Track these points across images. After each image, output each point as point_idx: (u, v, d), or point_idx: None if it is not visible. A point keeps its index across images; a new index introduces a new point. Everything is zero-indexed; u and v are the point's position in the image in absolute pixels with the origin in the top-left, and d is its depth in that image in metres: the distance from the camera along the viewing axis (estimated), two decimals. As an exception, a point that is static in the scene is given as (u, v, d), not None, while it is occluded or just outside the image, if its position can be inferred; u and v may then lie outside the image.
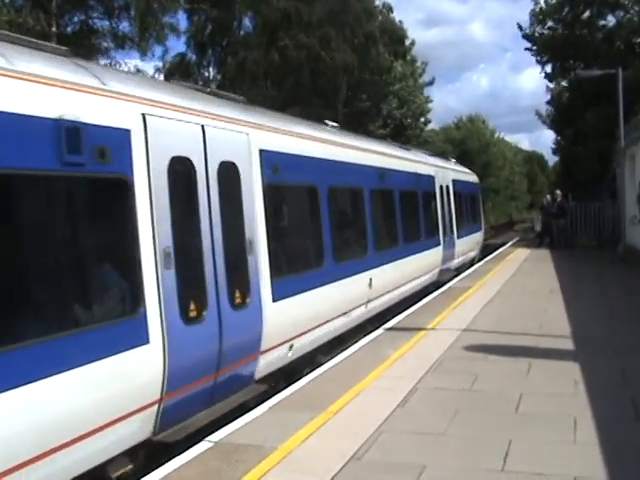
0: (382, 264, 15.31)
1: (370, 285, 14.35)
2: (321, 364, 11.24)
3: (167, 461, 7.05)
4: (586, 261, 27.22)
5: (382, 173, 16.34)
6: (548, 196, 37.46)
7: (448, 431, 7.60)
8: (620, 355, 11.06)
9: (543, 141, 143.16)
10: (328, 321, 12.34)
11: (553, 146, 66.43)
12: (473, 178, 32.66)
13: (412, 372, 10.15)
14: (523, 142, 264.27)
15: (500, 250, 34.20)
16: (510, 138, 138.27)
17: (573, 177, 50.22)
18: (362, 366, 10.61)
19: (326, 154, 12.94)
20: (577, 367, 10.16)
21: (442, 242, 21.95)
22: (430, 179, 21.59)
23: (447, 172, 24.81)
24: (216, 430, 7.90)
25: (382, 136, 58.24)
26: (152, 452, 7.65)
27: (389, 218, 17.29)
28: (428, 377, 9.96)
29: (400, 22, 59.48)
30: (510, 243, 39.89)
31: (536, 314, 14.87)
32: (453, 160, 31.60)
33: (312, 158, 12.22)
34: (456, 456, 6.86)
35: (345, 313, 13.20)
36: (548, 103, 58.40)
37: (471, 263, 28.16)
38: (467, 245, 27.09)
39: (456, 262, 24.59)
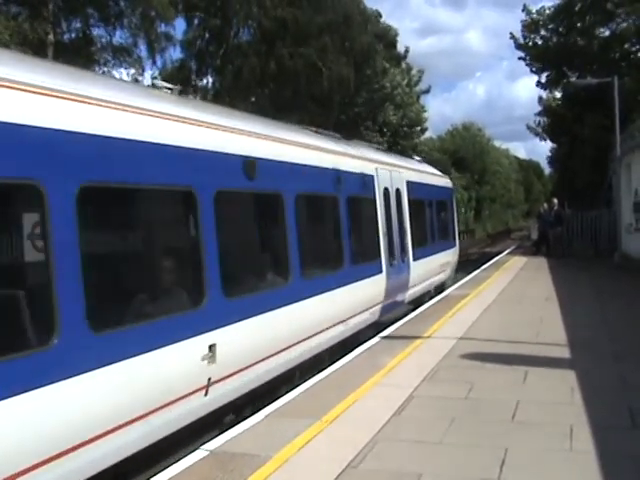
0: (241, 318, 9.19)
1: (212, 357, 8.43)
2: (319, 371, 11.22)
3: (163, 470, 7.03)
4: (582, 269, 27.21)
5: (248, 163, 9.81)
6: (545, 204, 37.51)
7: (444, 439, 7.58)
8: (617, 363, 11.05)
9: (539, 150, 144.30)
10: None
11: (549, 155, 66.66)
12: (444, 181, 26.11)
13: (408, 380, 10.14)
14: (519, 150, 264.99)
15: (497, 258, 34.24)
16: (506, 146, 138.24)
17: (569, 186, 50.31)
18: (358, 374, 10.59)
19: None
20: (573, 375, 10.15)
21: (385, 268, 15.97)
22: (366, 180, 15.38)
23: (397, 172, 18.01)
24: (212, 439, 7.88)
25: (378, 144, 58.46)
26: (148, 461, 7.62)
27: (265, 239, 11.54)
28: (424, 385, 9.94)
29: (389, 25, 59.84)
30: (507, 251, 39.92)
31: (533, 322, 14.86)
32: (417, 158, 25.25)
33: None
34: (452, 464, 6.84)
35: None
36: (539, 114, 58.61)
37: (441, 289, 22.59)
38: (431, 268, 20.99)
39: (412, 292, 18.71)
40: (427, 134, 74.29)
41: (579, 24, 47.50)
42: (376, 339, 13.71)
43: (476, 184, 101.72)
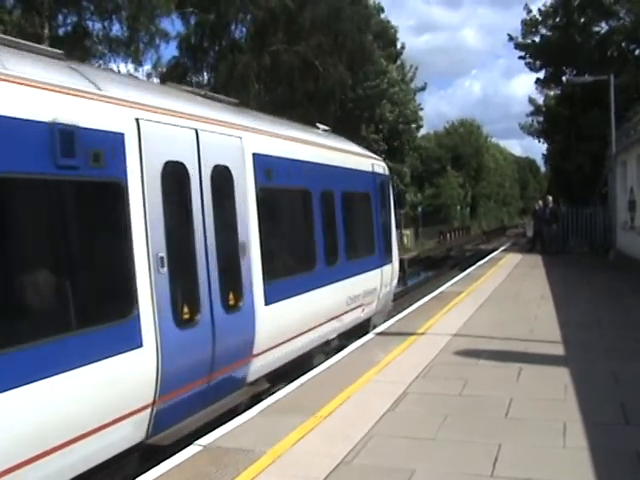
0: None
1: None
2: (312, 368, 11.17)
3: (156, 465, 7.04)
4: (577, 267, 27.26)
5: None
6: (540, 202, 37.57)
7: (438, 436, 7.60)
8: (610, 360, 11.07)
9: (535, 147, 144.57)
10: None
11: (544, 153, 66.77)
12: (367, 164, 16.42)
13: (402, 377, 10.15)
14: (515, 148, 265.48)
15: (492, 255, 34.29)
16: (502, 144, 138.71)
17: (564, 183, 50.40)
18: (353, 370, 10.61)
19: None
20: (567, 372, 10.18)
21: (155, 334, 7.63)
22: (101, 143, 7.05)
23: (223, 135, 9.54)
24: (206, 434, 7.89)
25: (375, 141, 58.50)
26: (142, 456, 7.61)
27: None
28: (418, 382, 9.96)
29: (389, 22, 59.85)
30: (502, 249, 39.97)
31: (527, 319, 14.89)
32: (323, 127, 16.05)
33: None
34: (445, 461, 6.85)
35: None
36: (532, 114, 58.72)
37: (365, 330, 14.88)
38: (322, 308, 12.64)
39: (261, 364, 10.34)
40: (423, 131, 74.49)
41: (577, 19, 47.55)
42: (370, 335, 13.74)
43: (472, 181, 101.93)
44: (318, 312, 12.39)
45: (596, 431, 7.57)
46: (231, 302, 9.24)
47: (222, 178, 9.20)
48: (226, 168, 9.34)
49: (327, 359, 11.91)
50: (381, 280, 16.37)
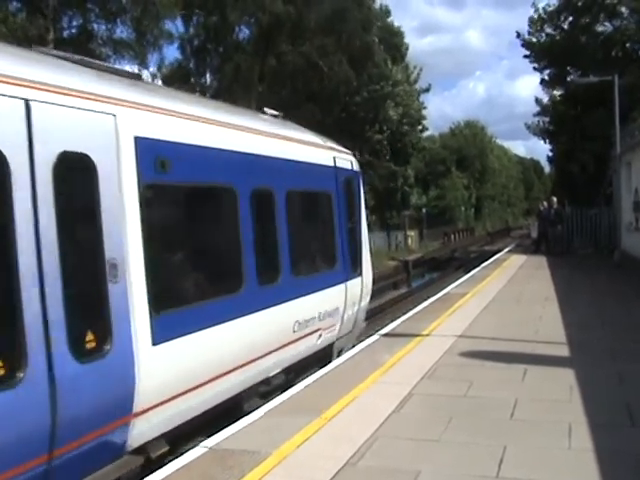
0: None
1: None
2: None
3: (162, 466, 7.04)
4: (582, 268, 27.23)
5: None
6: (545, 202, 37.52)
7: (443, 437, 7.59)
8: (615, 361, 11.06)
9: (539, 148, 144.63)
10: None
11: (549, 154, 66.74)
12: (326, 157, 13.22)
13: (407, 378, 10.15)
14: (519, 149, 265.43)
15: (496, 257, 34.26)
16: (506, 145, 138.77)
17: (569, 184, 50.35)
18: (358, 372, 10.61)
19: None
20: (572, 373, 10.17)
21: None
22: None
23: (85, 110, 6.72)
24: (211, 435, 7.90)
25: (379, 141, 58.56)
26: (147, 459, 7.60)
27: None
28: (423, 383, 9.95)
29: (398, 27, 59.95)
30: (506, 250, 39.93)
31: (532, 320, 14.88)
32: (271, 112, 13.06)
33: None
34: (451, 462, 6.85)
35: None
36: (538, 114, 58.63)
37: (326, 358, 12.76)
38: (253, 340, 9.70)
39: (143, 428, 7.38)
40: (427, 132, 74.53)
41: (582, 20, 47.53)
42: (376, 337, 13.73)
43: (477, 182, 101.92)
44: (248, 345, 9.44)
45: (601, 432, 7.55)
46: (88, 344, 6.53)
47: (75, 171, 6.56)
48: (84, 157, 6.59)
49: (267, 401, 9.49)
50: (346, 298, 12.96)
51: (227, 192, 9.34)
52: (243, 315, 9.20)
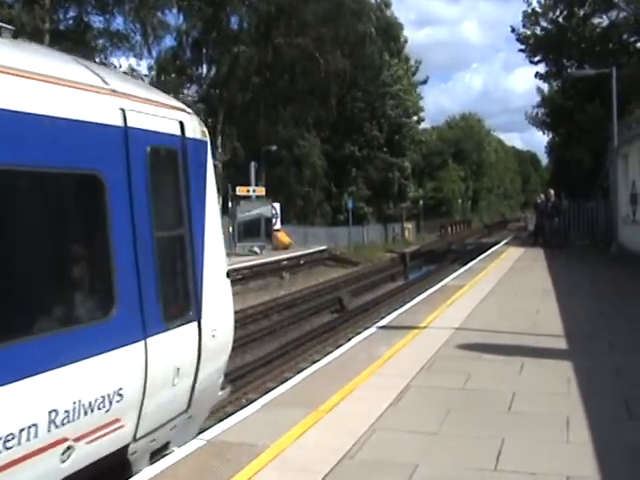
0: None
1: None
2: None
3: (160, 459, 7.03)
4: (579, 260, 27.24)
5: None
6: (542, 195, 37.52)
7: (441, 430, 7.58)
8: (613, 354, 11.07)
9: (536, 140, 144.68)
10: None
11: (546, 146, 66.73)
12: (96, 108, 6.47)
13: (405, 370, 10.13)
14: (516, 141, 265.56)
15: (493, 249, 34.26)
16: (503, 137, 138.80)
17: (566, 176, 50.36)
18: (355, 364, 10.57)
19: None
20: (570, 366, 10.15)
21: None
22: None
23: None
24: (208, 428, 7.88)
25: (375, 137, 58.62)
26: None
27: None
28: (421, 375, 9.93)
29: (395, 19, 59.93)
30: (503, 242, 39.95)
31: (529, 313, 14.88)
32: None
33: None
34: (449, 455, 6.84)
35: None
36: (539, 106, 58.53)
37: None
38: None
39: None
40: (424, 124, 74.57)
41: (577, 11, 47.47)
42: (373, 329, 13.72)
43: (473, 175, 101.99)
44: None
45: (600, 425, 7.54)
46: None
47: None
48: None
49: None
50: (145, 373, 6.84)
51: None
52: None
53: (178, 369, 7.28)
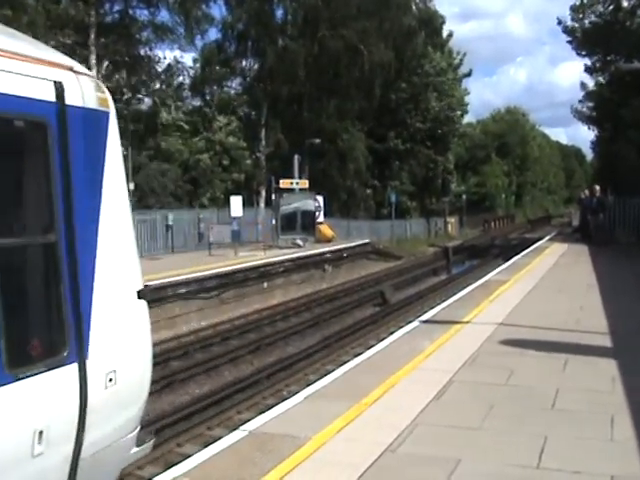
0: None
1: None
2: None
3: (201, 450, 7.10)
4: (624, 257, 26.88)
5: None
6: (586, 190, 37.09)
7: (483, 425, 7.56)
8: (659, 352, 10.93)
9: (580, 135, 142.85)
10: None
11: (592, 140, 65.97)
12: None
13: (448, 365, 10.11)
14: (560, 136, 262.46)
15: (537, 245, 33.96)
16: (547, 132, 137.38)
17: (612, 172, 49.70)
18: (398, 358, 10.58)
19: None
20: (614, 364, 10.05)
21: None
22: None
23: None
24: (251, 419, 7.94)
25: (419, 130, 58.41)
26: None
27: None
28: (464, 370, 9.91)
29: (437, 12, 59.71)
30: (547, 238, 39.57)
31: (573, 309, 14.74)
32: None
33: None
34: (491, 451, 6.81)
35: None
36: (583, 100, 57.87)
37: None
38: None
39: None
40: (467, 118, 74.17)
41: (625, 4, 46.92)
42: (415, 323, 13.70)
43: (517, 169, 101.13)
44: None
45: (645, 424, 7.47)
46: None
47: None
48: None
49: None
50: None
51: None
52: None
53: (41, 433, 4.60)
